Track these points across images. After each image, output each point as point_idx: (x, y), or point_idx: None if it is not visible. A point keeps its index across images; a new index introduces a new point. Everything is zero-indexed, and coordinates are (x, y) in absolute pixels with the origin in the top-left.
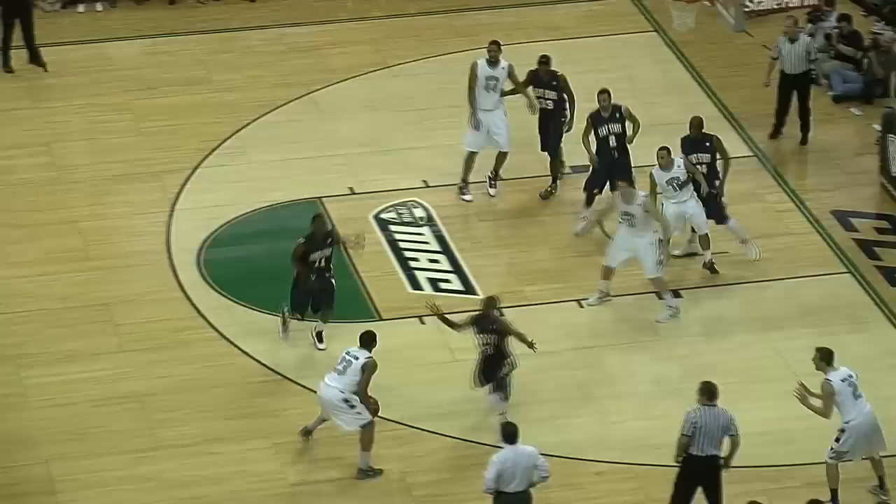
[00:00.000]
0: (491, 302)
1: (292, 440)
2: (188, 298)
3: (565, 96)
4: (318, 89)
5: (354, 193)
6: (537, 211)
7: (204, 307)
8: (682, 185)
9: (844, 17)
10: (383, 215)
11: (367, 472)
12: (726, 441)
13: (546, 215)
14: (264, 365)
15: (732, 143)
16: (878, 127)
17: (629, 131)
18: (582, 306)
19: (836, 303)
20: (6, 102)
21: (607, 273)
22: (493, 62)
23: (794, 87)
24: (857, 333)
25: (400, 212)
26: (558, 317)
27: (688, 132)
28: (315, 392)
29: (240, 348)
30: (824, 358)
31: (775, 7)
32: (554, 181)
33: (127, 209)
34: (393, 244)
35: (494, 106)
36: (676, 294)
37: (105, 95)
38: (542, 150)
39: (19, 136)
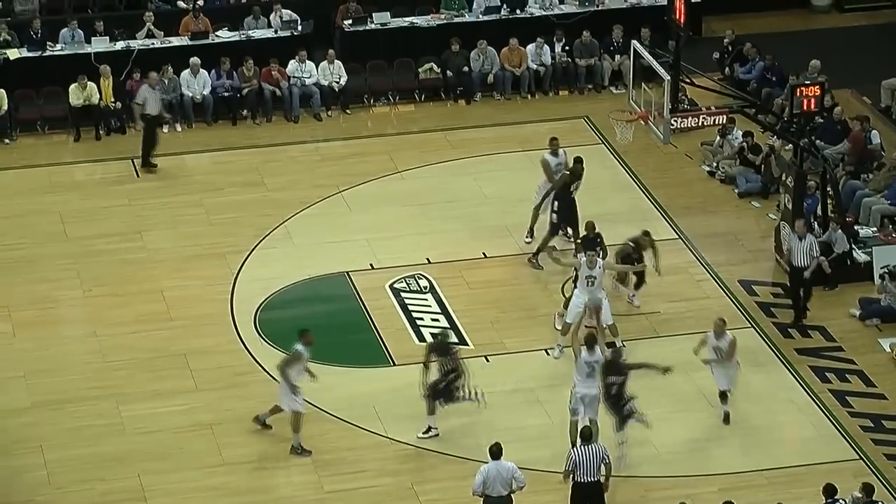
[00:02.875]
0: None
1: (328, 457)
2: (247, 350)
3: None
4: (346, 189)
5: (374, 268)
6: (515, 281)
7: (259, 356)
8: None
9: (748, 133)
10: (396, 285)
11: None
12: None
13: (523, 284)
14: (305, 400)
15: (662, 228)
16: (773, 215)
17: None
18: (548, 354)
19: (742, 350)
20: (109, 201)
21: (566, 329)
22: (555, 153)
23: (801, 276)
24: (758, 374)
25: (409, 282)
26: (529, 362)
27: (587, 232)
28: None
29: None
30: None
31: (693, 125)
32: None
33: (200, 281)
34: (403, 307)
35: None
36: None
37: (184, 195)
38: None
39: (119, 226)
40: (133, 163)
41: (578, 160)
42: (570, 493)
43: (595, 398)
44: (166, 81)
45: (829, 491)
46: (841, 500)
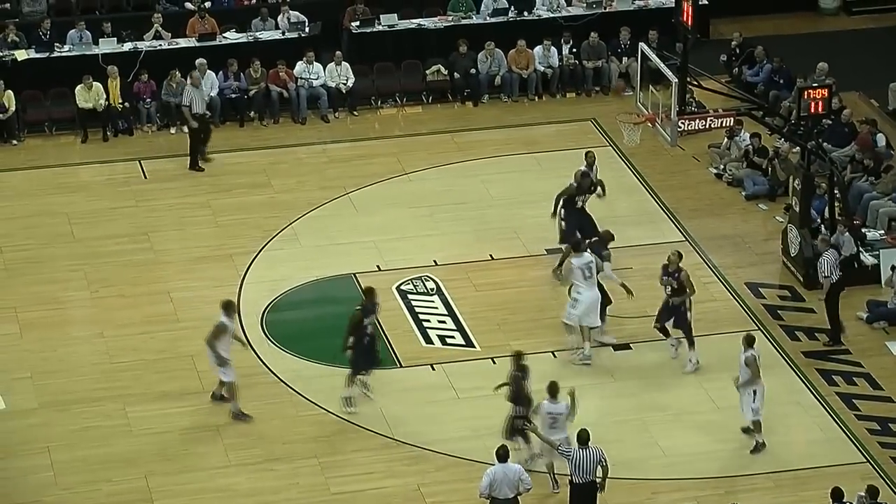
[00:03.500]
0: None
1: (334, 459)
2: (254, 351)
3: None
4: (353, 191)
5: (381, 270)
6: (522, 283)
7: (266, 358)
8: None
9: (756, 135)
10: (403, 287)
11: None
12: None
13: (530, 286)
14: (312, 402)
15: (669, 231)
16: (780, 218)
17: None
18: (555, 356)
19: None
20: (117, 202)
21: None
22: (590, 167)
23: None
24: (765, 376)
25: (416, 284)
26: (536, 365)
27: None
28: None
29: (293, 389)
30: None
31: (701, 128)
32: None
33: (207, 283)
34: (410, 309)
35: None
36: (627, 346)
37: (191, 196)
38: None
39: (126, 227)
40: (140, 164)
41: (585, 175)
42: (568, 494)
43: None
44: (174, 85)
45: (837, 494)
46: (847, 503)
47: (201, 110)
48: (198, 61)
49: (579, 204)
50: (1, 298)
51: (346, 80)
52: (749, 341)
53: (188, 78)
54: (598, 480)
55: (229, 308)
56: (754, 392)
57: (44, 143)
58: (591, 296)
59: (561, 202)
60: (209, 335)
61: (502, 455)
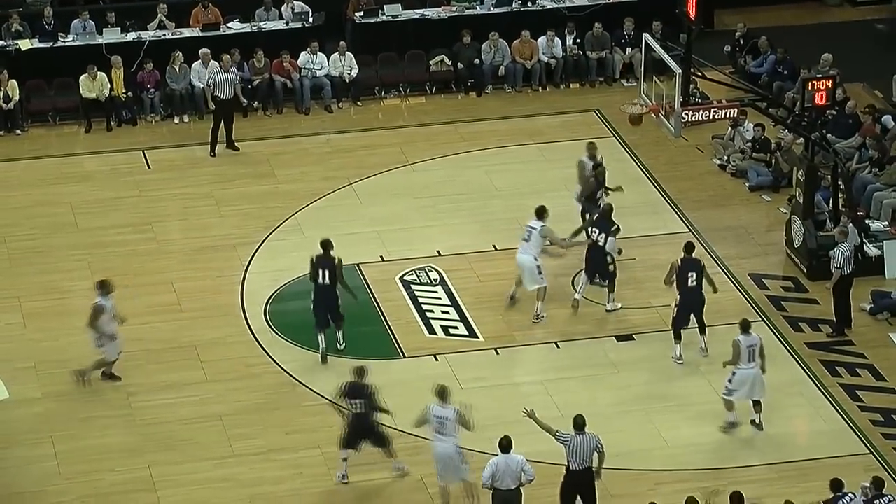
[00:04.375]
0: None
1: (337, 449)
2: (257, 341)
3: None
4: (356, 181)
5: (384, 260)
6: None
7: (269, 348)
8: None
9: (759, 125)
10: (406, 277)
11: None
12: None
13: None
14: (315, 392)
15: (672, 222)
16: (783, 209)
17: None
18: (558, 347)
19: None
20: (120, 192)
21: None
22: (592, 157)
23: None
24: (768, 367)
25: (419, 274)
26: (538, 355)
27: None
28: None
29: (296, 379)
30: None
31: (705, 119)
32: None
33: (210, 273)
34: (414, 299)
35: None
36: (631, 338)
37: (194, 186)
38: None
39: (129, 217)
40: (144, 154)
41: (596, 166)
42: (562, 481)
43: (451, 457)
44: (176, 68)
45: (836, 485)
46: (850, 494)
47: (224, 95)
48: (201, 51)
49: (600, 200)
50: (5, 288)
51: (350, 71)
52: (742, 326)
53: (218, 61)
54: (594, 468)
55: (104, 287)
56: (733, 373)
57: (47, 132)
58: (518, 258)
59: (583, 204)
60: (89, 318)
61: (505, 445)
